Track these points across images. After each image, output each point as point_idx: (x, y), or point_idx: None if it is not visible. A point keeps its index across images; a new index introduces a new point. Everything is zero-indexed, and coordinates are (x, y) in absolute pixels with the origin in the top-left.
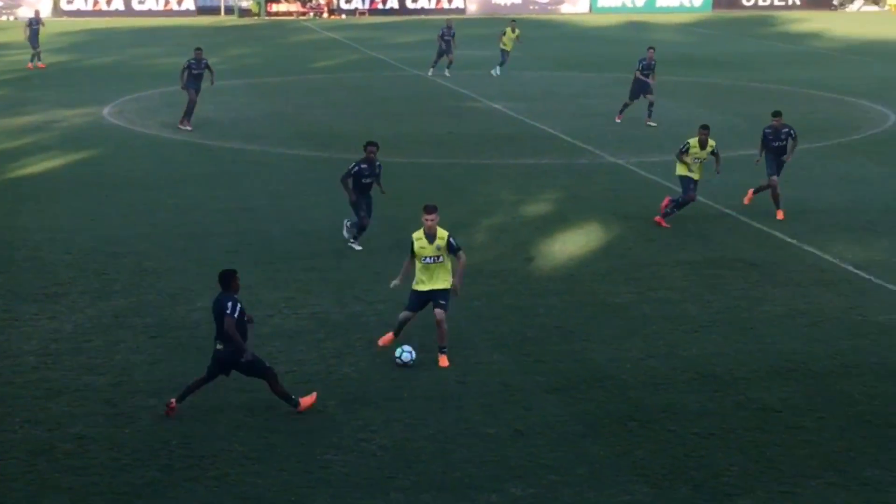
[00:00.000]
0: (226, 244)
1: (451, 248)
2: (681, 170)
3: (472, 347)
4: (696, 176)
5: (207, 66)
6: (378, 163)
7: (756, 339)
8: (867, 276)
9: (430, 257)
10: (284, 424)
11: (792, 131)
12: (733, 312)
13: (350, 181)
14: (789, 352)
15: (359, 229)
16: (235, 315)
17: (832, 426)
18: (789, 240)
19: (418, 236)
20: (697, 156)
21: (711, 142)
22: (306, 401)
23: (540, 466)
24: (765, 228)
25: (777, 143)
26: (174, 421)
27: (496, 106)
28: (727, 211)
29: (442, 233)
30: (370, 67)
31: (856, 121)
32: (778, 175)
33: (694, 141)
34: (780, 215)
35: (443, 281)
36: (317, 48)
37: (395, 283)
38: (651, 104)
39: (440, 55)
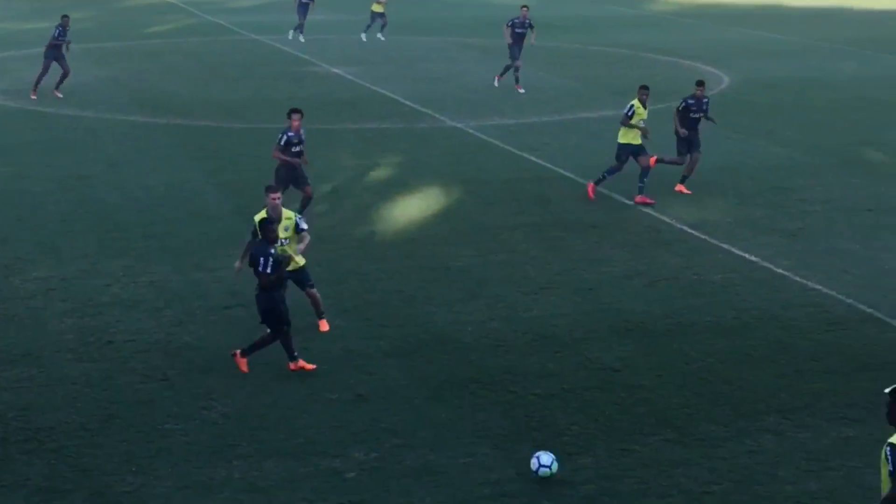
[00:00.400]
0: (61, 212)
1: (297, 229)
2: (624, 137)
3: (313, 313)
4: (637, 141)
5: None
6: (303, 132)
7: (595, 299)
8: (702, 236)
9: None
10: (123, 395)
11: (708, 102)
12: (573, 274)
13: (283, 153)
14: (628, 312)
15: (303, 203)
16: (268, 270)
17: (669, 384)
18: (627, 201)
19: (262, 218)
20: (642, 117)
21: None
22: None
23: (382, 430)
24: (603, 190)
25: (696, 115)
26: (9, 393)
27: (336, 70)
28: (566, 173)
29: (289, 213)
30: (208, 32)
31: (691, 84)
32: (699, 151)
33: (637, 103)
34: (682, 188)
35: (299, 259)
36: (153, 12)
37: (237, 265)
38: (509, 68)
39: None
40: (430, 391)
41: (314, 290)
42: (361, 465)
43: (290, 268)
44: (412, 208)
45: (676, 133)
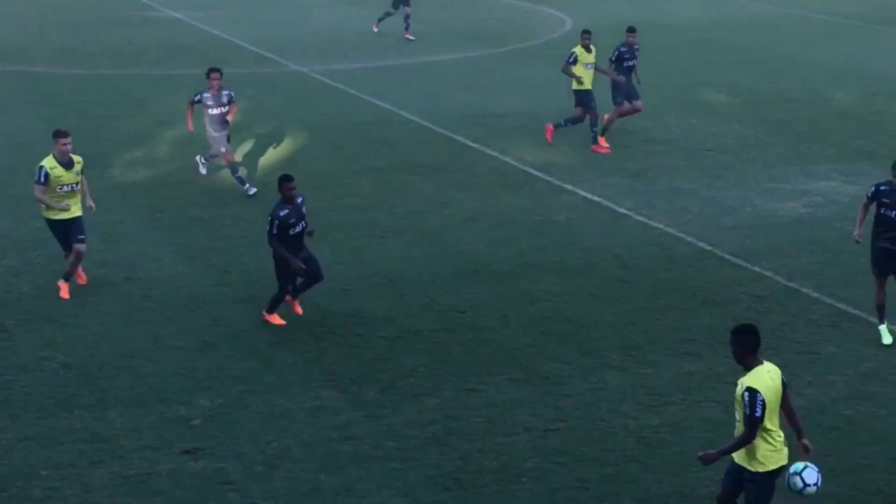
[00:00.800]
0: None
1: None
2: (576, 85)
3: (156, 260)
4: (588, 87)
5: None
6: (228, 92)
7: (441, 242)
8: (547, 178)
9: (69, 185)
10: None
11: (639, 49)
12: (419, 217)
13: (193, 108)
14: (473, 253)
15: (206, 158)
16: (273, 231)
17: (514, 324)
18: (472, 144)
19: (52, 164)
20: (587, 62)
21: (592, 47)
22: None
23: (228, 377)
24: (447, 133)
25: (631, 63)
26: None
27: (177, 15)
28: (411, 117)
29: (77, 158)
30: None
31: (534, 26)
32: (640, 98)
33: (579, 49)
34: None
35: (77, 209)
36: None
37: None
38: (408, 16)
39: None
40: (276, 336)
41: (82, 247)
42: (207, 412)
43: (75, 214)
44: (257, 154)
45: (613, 83)
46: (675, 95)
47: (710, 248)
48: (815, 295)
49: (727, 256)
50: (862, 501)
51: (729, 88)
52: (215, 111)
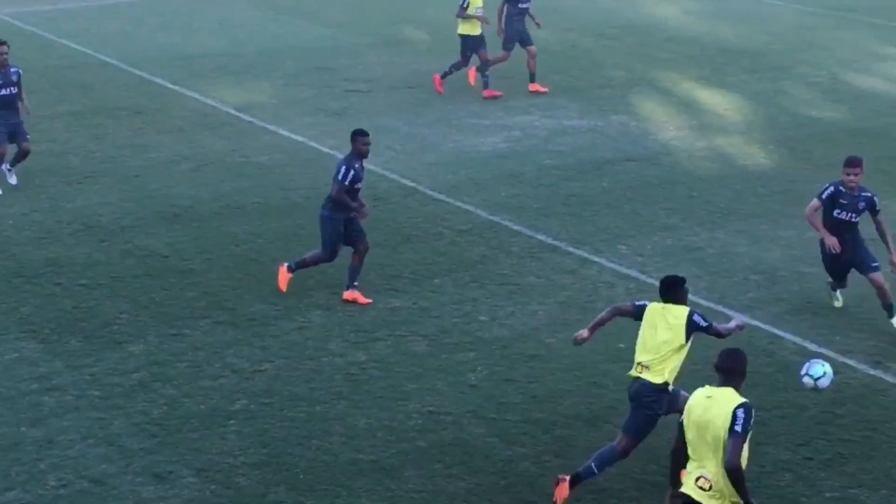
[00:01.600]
0: None
1: None
2: (462, 28)
3: None
4: (477, 32)
5: None
6: (14, 67)
7: (141, 186)
8: (249, 119)
9: None
10: None
11: None
12: (118, 161)
13: None
14: (174, 197)
15: (17, 157)
16: (346, 181)
17: (219, 267)
18: (171, 86)
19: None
20: (477, 6)
21: None
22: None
23: None
24: (146, 75)
25: (524, 5)
26: None
27: None
28: (108, 60)
29: None
30: None
31: None
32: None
33: None
34: (542, 88)
35: None
36: None
37: None
38: None
39: None
40: None
41: None
42: None
43: None
44: None
45: (503, 29)
46: (376, 33)
47: (412, 184)
48: (516, 227)
49: (429, 192)
50: (564, 425)
51: (429, 25)
52: (5, 92)
